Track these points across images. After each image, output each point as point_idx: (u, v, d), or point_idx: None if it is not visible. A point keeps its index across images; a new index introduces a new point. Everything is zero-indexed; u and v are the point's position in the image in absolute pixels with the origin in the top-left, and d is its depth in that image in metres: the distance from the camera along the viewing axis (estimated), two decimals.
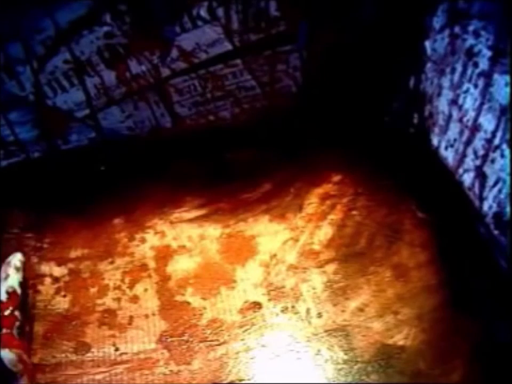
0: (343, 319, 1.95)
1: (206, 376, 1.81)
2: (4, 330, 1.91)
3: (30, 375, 1.84)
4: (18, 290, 2.07)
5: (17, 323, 1.96)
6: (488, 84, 1.79)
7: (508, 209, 1.74)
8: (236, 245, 2.24)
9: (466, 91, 1.94)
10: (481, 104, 1.84)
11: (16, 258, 2.14)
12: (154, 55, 2.22)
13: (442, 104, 2.14)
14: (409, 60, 2.34)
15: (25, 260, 2.15)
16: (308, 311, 1.98)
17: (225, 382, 1.79)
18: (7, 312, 1.96)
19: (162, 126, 2.47)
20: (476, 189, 1.93)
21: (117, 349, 1.89)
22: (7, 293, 2.03)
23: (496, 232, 1.84)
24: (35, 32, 2.00)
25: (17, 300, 2.04)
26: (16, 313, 1.98)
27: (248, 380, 1.79)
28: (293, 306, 2.00)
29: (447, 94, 2.08)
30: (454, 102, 2.04)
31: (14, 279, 2.08)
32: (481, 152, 1.88)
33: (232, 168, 2.55)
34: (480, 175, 1.90)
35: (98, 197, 2.41)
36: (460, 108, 2.00)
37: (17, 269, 2.12)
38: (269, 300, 2.03)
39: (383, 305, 1.98)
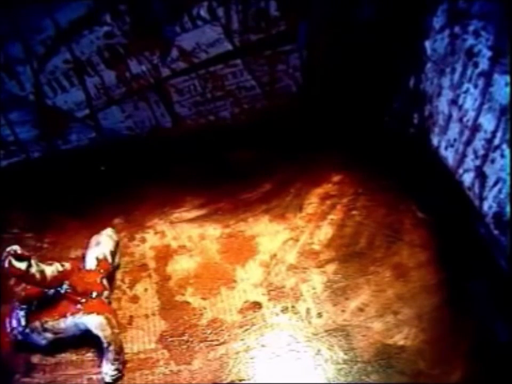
0: (343, 319, 1.95)
1: (206, 376, 1.81)
2: (94, 295, 1.87)
3: (118, 344, 1.82)
4: (109, 259, 2.03)
5: (106, 292, 1.93)
6: (488, 84, 1.79)
7: (508, 209, 1.74)
8: (235, 245, 2.24)
9: (466, 91, 1.93)
10: (481, 104, 1.84)
11: (109, 230, 2.12)
12: (154, 55, 2.22)
13: (442, 104, 2.14)
14: (409, 60, 2.34)
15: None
16: (307, 311, 1.98)
17: (225, 382, 1.79)
18: (95, 279, 1.93)
19: (162, 126, 2.47)
20: (476, 189, 1.93)
21: None
22: (97, 259, 1.99)
23: (496, 232, 1.84)
24: (35, 32, 2.00)
25: (107, 267, 2.00)
26: (105, 282, 1.95)
27: (248, 380, 1.79)
28: (293, 306, 2.00)
29: (447, 94, 2.08)
30: (454, 102, 2.04)
31: (105, 246, 2.04)
32: (481, 152, 1.88)
33: (232, 168, 2.55)
34: (480, 175, 1.90)
35: (98, 197, 2.41)
36: (460, 108, 2.00)
37: (109, 237, 2.09)
38: (269, 299, 2.03)
39: (383, 305, 1.98)
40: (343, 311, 1.98)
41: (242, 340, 1.90)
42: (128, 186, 2.46)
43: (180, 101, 2.40)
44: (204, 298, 2.04)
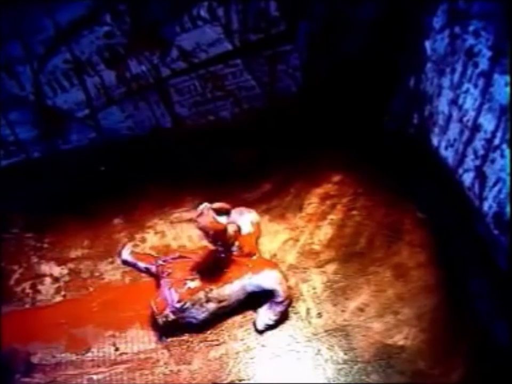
0: (343, 319, 1.95)
1: (206, 376, 1.81)
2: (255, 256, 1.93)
3: (291, 300, 1.89)
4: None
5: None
6: (488, 84, 1.79)
7: (507, 209, 1.74)
8: None
9: (466, 91, 1.94)
10: (481, 104, 1.84)
11: (253, 214, 2.19)
12: (154, 55, 2.22)
13: (442, 104, 2.14)
14: (409, 60, 2.35)
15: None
16: (307, 311, 1.98)
17: (225, 382, 1.79)
18: (252, 240, 2.01)
19: (162, 126, 2.47)
20: (476, 189, 1.93)
21: (117, 349, 1.90)
22: (252, 223, 2.07)
23: (496, 232, 1.84)
24: (35, 32, 2.00)
25: (258, 231, 2.10)
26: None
27: (248, 379, 1.80)
28: (293, 306, 2.00)
29: (447, 94, 2.08)
30: (454, 102, 2.04)
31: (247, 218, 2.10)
32: (481, 152, 1.88)
33: (232, 168, 2.55)
34: (480, 175, 1.90)
35: (98, 197, 2.41)
36: (460, 108, 2.00)
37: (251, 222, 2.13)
38: None
39: (383, 305, 1.98)
40: (343, 311, 1.98)
41: (242, 340, 1.91)
42: (128, 186, 2.46)
43: (179, 101, 2.40)
44: None
